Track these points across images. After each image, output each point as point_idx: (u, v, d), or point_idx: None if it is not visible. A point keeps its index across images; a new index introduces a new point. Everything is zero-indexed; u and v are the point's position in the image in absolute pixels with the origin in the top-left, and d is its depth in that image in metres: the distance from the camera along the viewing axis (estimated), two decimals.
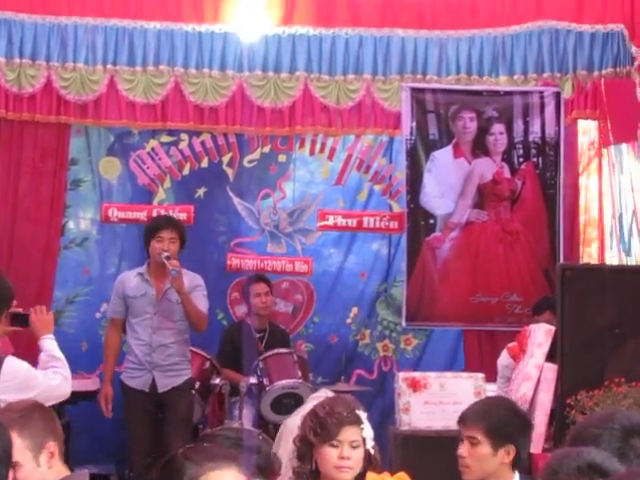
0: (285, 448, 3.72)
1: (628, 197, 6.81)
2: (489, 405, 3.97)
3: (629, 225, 6.78)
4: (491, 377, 5.92)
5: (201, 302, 6.45)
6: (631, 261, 6.70)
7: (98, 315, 7.62)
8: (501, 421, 3.80)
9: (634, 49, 6.72)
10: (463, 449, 3.79)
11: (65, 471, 3.25)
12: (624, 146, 6.92)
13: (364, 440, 3.53)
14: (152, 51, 7.25)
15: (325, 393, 5.22)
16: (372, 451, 3.55)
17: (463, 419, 3.87)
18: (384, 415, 7.05)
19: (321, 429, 3.53)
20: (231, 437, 3.14)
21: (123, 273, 6.81)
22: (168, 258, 6.23)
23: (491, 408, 3.89)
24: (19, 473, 3.17)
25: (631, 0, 6.88)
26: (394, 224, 7.75)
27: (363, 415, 3.56)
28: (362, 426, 3.53)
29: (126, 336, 6.55)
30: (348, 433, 3.52)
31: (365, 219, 7.81)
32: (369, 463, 3.57)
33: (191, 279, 6.46)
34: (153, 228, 6.42)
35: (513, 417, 3.87)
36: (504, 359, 6.43)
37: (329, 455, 3.52)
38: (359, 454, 3.53)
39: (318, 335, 7.87)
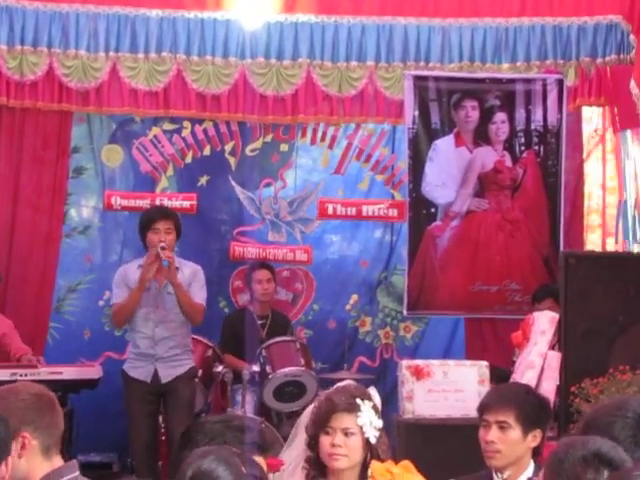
0: (302, 436, 3.68)
1: (631, 184, 6.82)
2: (516, 390, 3.98)
3: (632, 212, 6.79)
4: None
5: (198, 294, 6.39)
6: (637, 248, 6.71)
7: (101, 303, 7.57)
8: (532, 406, 3.83)
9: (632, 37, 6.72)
10: (492, 434, 3.77)
11: (45, 466, 2.94)
12: (628, 132, 6.93)
13: (361, 428, 3.46)
14: (154, 38, 7.20)
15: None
16: (373, 440, 3.47)
17: (489, 404, 3.85)
18: (385, 402, 7.01)
19: (316, 417, 3.50)
20: (219, 421, 3.06)
21: (124, 265, 6.75)
22: (164, 249, 6.17)
23: (519, 393, 3.90)
24: None
25: None
26: (394, 212, 7.71)
27: (366, 404, 3.48)
28: (359, 414, 3.45)
29: (129, 329, 6.56)
30: (341, 420, 3.45)
31: (364, 208, 7.77)
32: (371, 453, 3.49)
33: (192, 271, 6.44)
34: (148, 220, 6.37)
35: (540, 402, 3.91)
36: None
37: (323, 443, 3.47)
38: (354, 442, 3.45)
39: (316, 321, 7.84)
